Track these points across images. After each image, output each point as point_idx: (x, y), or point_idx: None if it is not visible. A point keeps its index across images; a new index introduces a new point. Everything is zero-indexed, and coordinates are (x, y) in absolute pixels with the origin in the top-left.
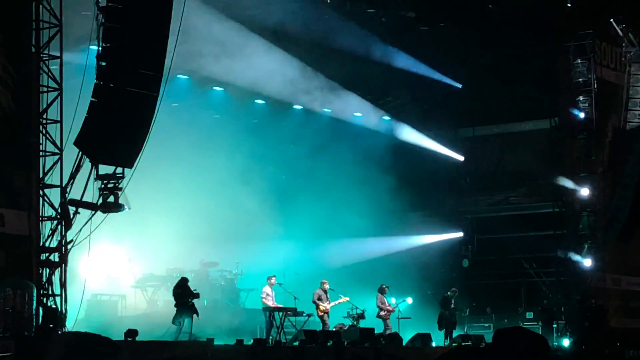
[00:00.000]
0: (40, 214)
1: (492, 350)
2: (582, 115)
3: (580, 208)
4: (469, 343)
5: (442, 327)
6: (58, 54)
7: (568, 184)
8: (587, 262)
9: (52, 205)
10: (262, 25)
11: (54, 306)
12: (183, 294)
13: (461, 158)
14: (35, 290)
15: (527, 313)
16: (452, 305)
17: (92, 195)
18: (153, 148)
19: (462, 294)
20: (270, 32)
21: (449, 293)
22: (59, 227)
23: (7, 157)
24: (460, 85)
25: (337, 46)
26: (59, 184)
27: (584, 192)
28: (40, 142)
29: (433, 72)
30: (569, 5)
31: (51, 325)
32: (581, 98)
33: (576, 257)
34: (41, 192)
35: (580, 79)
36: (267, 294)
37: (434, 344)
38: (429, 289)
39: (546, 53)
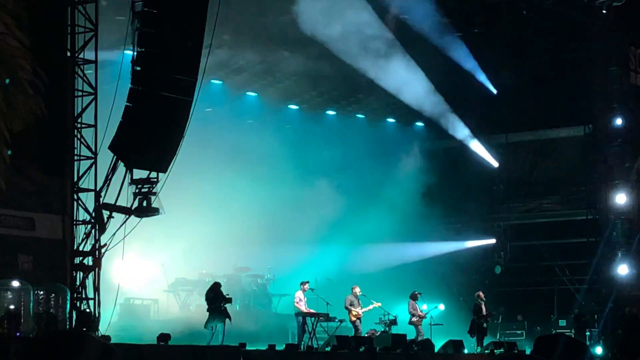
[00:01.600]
0: (75, 218)
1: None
2: (617, 122)
3: (614, 215)
4: (502, 350)
5: (474, 334)
6: (93, 59)
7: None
8: (622, 270)
9: (86, 210)
10: None
11: (87, 310)
12: (215, 298)
13: (495, 164)
14: (69, 294)
15: (560, 320)
16: (484, 312)
17: (126, 200)
18: (186, 153)
19: (494, 301)
20: None
21: (477, 299)
22: (93, 231)
23: (41, 162)
24: (495, 91)
25: None
26: (93, 188)
27: (619, 199)
28: (75, 146)
29: (468, 77)
30: (604, 12)
31: (84, 329)
32: (616, 105)
33: (610, 265)
34: (75, 196)
35: (615, 86)
36: (300, 299)
37: (465, 351)
38: (461, 295)
39: (581, 60)
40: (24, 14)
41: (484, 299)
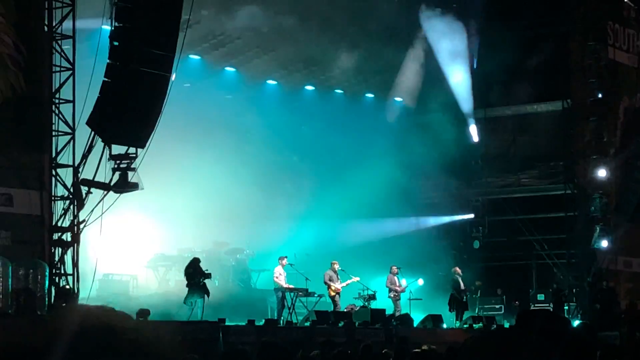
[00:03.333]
0: (53, 194)
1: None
2: (595, 97)
3: (592, 190)
4: (480, 325)
5: (452, 309)
6: (71, 34)
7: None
8: (599, 244)
9: (64, 185)
10: None
11: (66, 286)
12: (194, 274)
13: (475, 139)
14: (47, 270)
15: (539, 295)
16: (462, 287)
17: (104, 175)
18: (165, 128)
19: (473, 276)
20: None
21: (455, 274)
22: (72, 207)
23: (18, 137)
24: (474, 67)
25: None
26: (71, 163)
27: (597, 174)
28: (53, 122)
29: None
30: None
31: (64, 304)
32: (593, 80)
33: (588, 239)
34: (53, 172)
35: (592, 61)
36: (280, 274)
37: (445, 326)
38: (440, 270)
39: (558, 34)
40: None
41: (461, 273)
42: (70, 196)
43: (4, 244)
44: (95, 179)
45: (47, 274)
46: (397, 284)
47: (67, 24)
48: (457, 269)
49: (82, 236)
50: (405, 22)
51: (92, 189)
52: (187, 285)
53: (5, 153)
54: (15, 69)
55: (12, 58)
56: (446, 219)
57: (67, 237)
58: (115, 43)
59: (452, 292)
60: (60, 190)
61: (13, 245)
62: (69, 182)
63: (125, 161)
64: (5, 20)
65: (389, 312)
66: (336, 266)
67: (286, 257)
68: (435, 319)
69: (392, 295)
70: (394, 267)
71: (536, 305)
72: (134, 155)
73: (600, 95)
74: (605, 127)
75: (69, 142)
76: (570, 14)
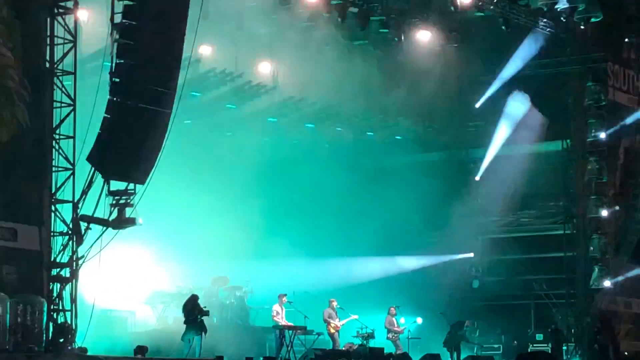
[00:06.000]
0: (52, 229)
1: None
2: (594, 137)
3: (592, 230)
4: None
5: (449, 348)
6: (72, 70)
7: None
8: (598, 285)
9: (63, 221)
10: None
11: (65, 322)
12: (193, 310)
13: (476, 178)
14: (45, 306)
15: (537, 335)
16: (465, 334)
17: (103, 211)
18: (165, 164)
19: (472, 315)
20: None
21: (466, 324)
22: (71, 242)
23: (20, 172)
24: (476, 106)
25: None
26: (71, 199)
27: (596, 214)
28: (53, 157)
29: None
30: (582, 27)
31: (61, 340)
32: (593, 120)
33: (587, 280)
34: (53, 208)
35: (592, 101)
36: (278, 312)
37: None
38: (439, 309)
39: (559, 75)
40: (16, 23)
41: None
42: (70, 232)
43: (10, 279)
44: (95, 215)
45: (45, 309)
46: (396, 325)
47: (69, 60)
48: (470, 322)
49: (80, 272)
50: None
51: (92, 225)
52: (185, 322)
53: (8, 188)
54: (21, 105)
55: (18, 94)
56: (446, 258)
57: (66, 272)
58: (116, 79)
59: (449, 330)
60: (60, 226)
61: (14, 280)
62: (68, 218)
63: (125, 197)
64: (13, 55)
65: (387, 350)
66: (334, 304)
67: (285, 294)
68: (434, 358)
69: (390, 336)
70: (392, 309)
71: (535, 345)
72: (133, 191)
73: (599, 136)
74: (605, 168)
75: (68, 177)
76: (570, 55)
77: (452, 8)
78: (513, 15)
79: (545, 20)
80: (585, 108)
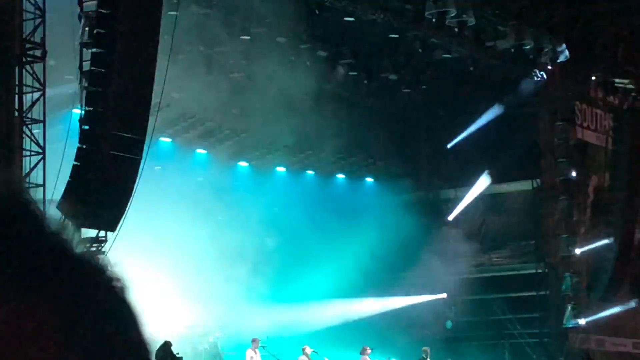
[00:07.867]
0: None
1: None
2: (564, 176)
3: (564, 269)
4: None
5: None
6: (41, 118)
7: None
8: (571, 323)
9: None
10: None
11: None
12: (165, 357)
13: (448, 218)
14: None
15: None
16: None
17: None
18: (135, 211)
19: (445, 356)
20: None
21: (423, 354)
22: None
23: None
24: (448, 146)
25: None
26: None
27: (567, 252)
28: None
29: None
30: (549, 67)
31: None
32: (562, 160)
33: (560, 319)
34: None
35: (561, 141)
36: (252, 357)
37: None
38: (412, 349)
39: (527, 115)
40: None
41: (429, 353)
42: None
43: None
44: None
45: None
46: None
47: (38, 108)
48: (427, 349)
49: None
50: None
51: None
52: None
53: None
54: None
55: None
56: (419, 298)
57: None
58: (85, 127)
59: None
60: None
61: None
62: None
63: (96, 245)
64: None
65: None
66: (307, 350)
67: (259, 339)
68: None
69: None
70: (367, 348)
71: None
72: (104, 239)
73: (568, 175)
74: (575, 206)
75: None
76: (538, 94)
77: (420, 50)
78: (481, 56)
79: (512, 60)
80: (554, 147)
